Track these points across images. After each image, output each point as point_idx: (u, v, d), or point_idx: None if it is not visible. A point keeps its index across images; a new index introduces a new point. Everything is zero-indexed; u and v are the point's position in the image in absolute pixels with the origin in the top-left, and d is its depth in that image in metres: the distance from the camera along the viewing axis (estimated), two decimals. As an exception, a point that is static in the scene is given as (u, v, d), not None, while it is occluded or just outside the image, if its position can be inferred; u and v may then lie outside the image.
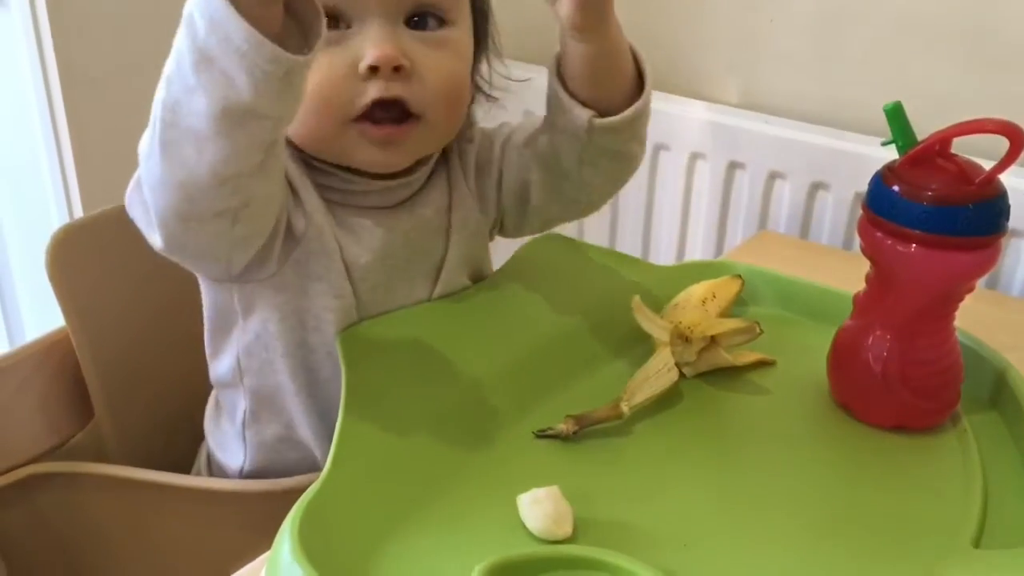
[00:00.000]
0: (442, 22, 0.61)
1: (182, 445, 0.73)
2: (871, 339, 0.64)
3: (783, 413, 0.66)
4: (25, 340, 0.72)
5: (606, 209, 1.30)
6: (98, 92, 1.08)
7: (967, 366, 0.65)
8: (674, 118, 1.20)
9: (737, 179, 1.17)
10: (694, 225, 1.23)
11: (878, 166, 0.63)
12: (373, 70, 0.58)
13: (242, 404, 0.67)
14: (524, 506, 0.53)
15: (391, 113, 0.60)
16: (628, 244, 1.31)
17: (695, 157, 1.20)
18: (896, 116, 0.61)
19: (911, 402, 0.64)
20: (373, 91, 0.58)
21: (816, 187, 1.11)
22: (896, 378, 0.63)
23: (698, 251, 1.23)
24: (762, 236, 1.12)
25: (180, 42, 0.50)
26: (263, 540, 0.62)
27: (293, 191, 0.62)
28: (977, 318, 0.68)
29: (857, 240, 0.64)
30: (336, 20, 0.58)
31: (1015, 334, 0.81)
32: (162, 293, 0.73)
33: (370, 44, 0.58)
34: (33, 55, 1.04)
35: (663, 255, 1.27)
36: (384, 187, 0.66)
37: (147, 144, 0.53)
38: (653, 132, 1.22)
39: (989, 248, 0.60)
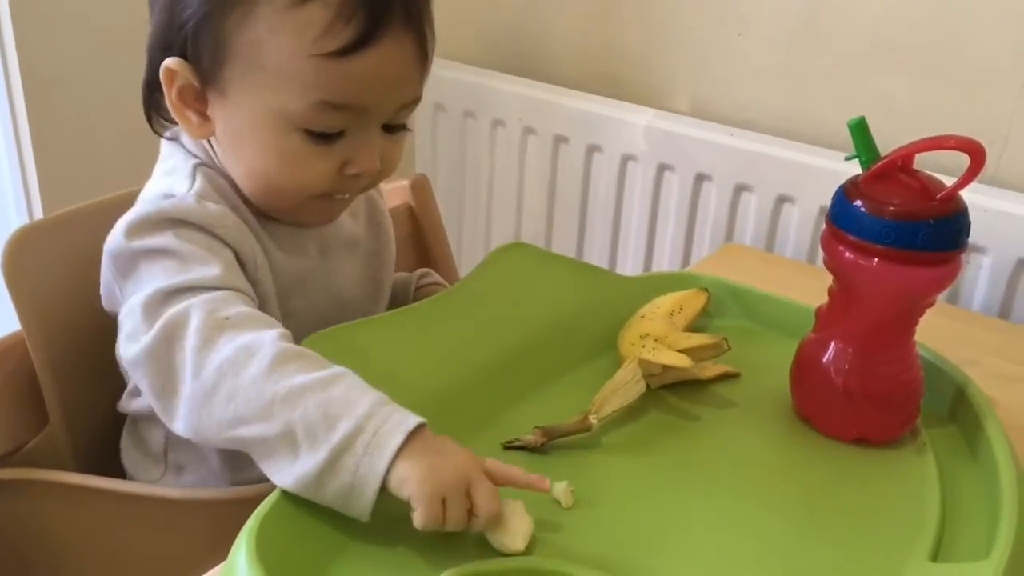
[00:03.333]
0: (404, 128, 0.66)
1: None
2: (833, 352, 0.65)
3: (747, 425, 0.67)
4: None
5: (574, 218, 1.31)
6: (61, 93, 1.06)
7: (927, 380, 0.66)
8: (641, 129, 1.21)
9: (704, 191, 1.18)
10: (661, 235, 1.24)
11: (842, 180, 0.64)
12: (356, 174, 0.63)
13: (159, 435, 0.68)
14: None
15: None
16: (596, 253, 1.31)
17: (663, 168, 1.20)
18: (860, 131, 0.62)
19: (871, 415, 0.64)
20: (349, 189, 0.65)
21: (782, 200, 1.12)
22: (857, 391, 0.64)
23: (665, 261, 1.24)
24: (728, 248, 1.12)
25: (308, 460, 0.51)
26: (223, 548, 0.62)
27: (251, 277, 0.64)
28: (937, 332, 0.69)
29: (821, 254, 0.65)
30: (332, 135, 0.61)
31: (975, 349, 0.83)
32: None
33: (362, 155, 0.62)
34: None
35: (630, 265, 1.28)
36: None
37: (220, 405, 0.54)
38: (621, 142, 1.23)
39: (950, 263, 0.60)
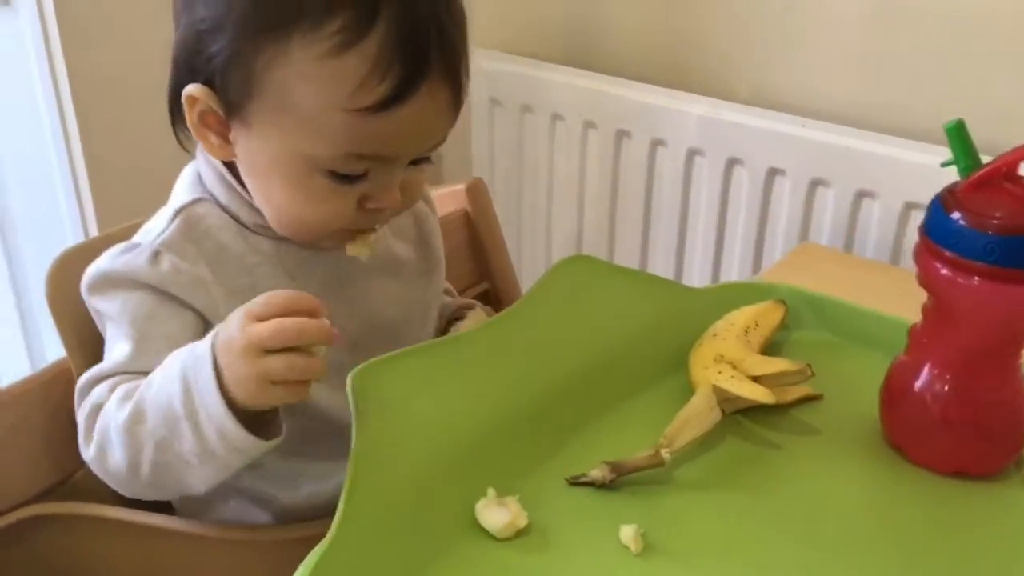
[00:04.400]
0: (428, 160, 0.63)
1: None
2: (929, 377, 0.59)
3: (833, 457, 0.61)
4: (47, 362, 0.69)
5: (638, 216, 1.26)
6: (111, 106, 1.04)
7: (1033, 405, 0.60)
8: (707, 121, 1.15)
9: (776, 186, 1.12)
10: (731, 234, 1.18)
11: (927, 173, 0.58)
12: (378, 208, 0.61)
13: None
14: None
15: None
16: (661, 252, 1.26)
17: (732, 163, 1.15)
18: (957, 135, 0.56)
19: (972, 446, 0.59)
20: (371, 223, 0.62)
21: (861, 195, 1.05)
22: (956, 420, 0.58)
23: (735, 262, 1.18)
24: (803, 248, 1.06)
25: (178, 426, 0.54)
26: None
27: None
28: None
29: (906, 253, 0.59)
30: (357, 177, 0.59)
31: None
32: None
33: (383, 192, 0.60)
34: (42, 59, 1.00)
35: (698, 266, 1.22)
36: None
37: (114, 463, 0.58)
38: (686, 136, 1.17)
39: (1062, 282, 0.54)
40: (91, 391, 0.59)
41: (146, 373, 0.58)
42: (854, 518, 0.56)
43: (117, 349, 0.60)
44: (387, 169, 0.59)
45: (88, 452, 0.59)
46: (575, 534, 0.53)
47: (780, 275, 0.93)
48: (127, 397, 0.57)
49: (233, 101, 0.58)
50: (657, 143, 1.20)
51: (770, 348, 0.71)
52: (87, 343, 0.66)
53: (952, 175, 0.58)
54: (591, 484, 0.56)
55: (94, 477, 0.68)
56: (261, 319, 0.52)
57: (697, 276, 1.22)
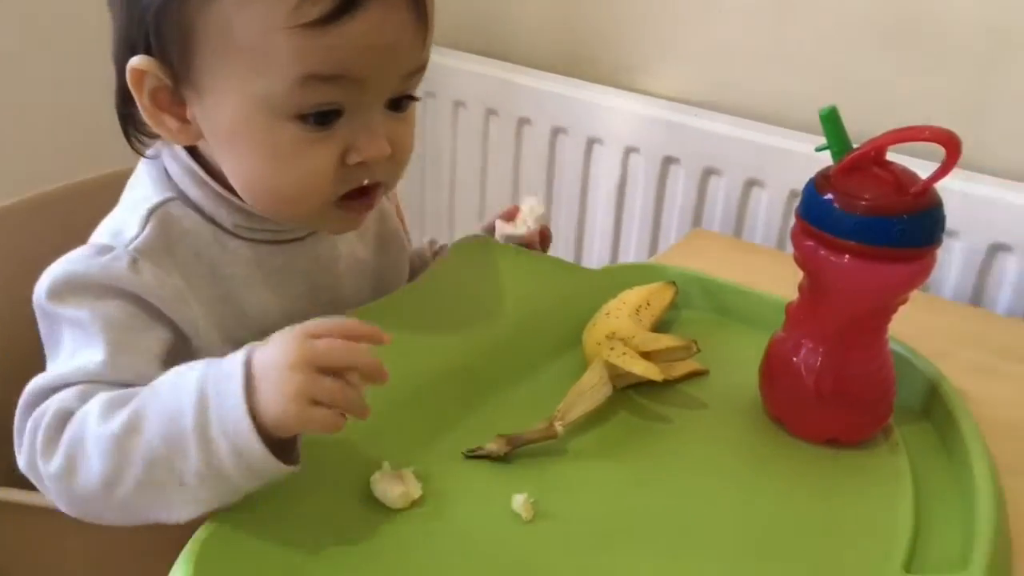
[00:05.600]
0: (412, 99, 0.59)
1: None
2: (803, 351, 0.62)
3: (717, 428, 0.64)
4: None
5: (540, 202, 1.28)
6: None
7: (899, 375, 0.64)
8: (607, 111, 1.18)
9: (672, 174, 1.15)
10: (628, 220, 1.21)
11: (815, 164, 0.61)
12: (362, 162, 0.56)
13: None
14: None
15: (364, 189, 0.59)
16: (561, 238, 1.28)
17: (629, 151, 1.18)
18: (831, 121, 0.59)
19: (843, 416, 0.62)
20: (357, 180, 0.57)
21: (751, 184, 1.09)
22: (828, 392, 0.62)
23: (632, 246, 1.21)
24: (696, 234, 1.10)
25: (183, 442, 0.48)
26: (159, 568, 0.59)
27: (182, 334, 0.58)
28: (908, 322, 0.66)
29: (791, 240, 0.62)
30: (328, 114, 0.55)
31: (947, 340, 0.81)
32: (22, 305, 0.67)
33: (365, 138, 0.56)
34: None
35: (597, 250, 1.25)
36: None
37: (84, 478, 0.50)
38: (587, 125, 1.20)
39: (924, 259, 0.58)
40: (50, 397, 0.52)
41: (120, 384, 0.53)
42: (736, 487, 0.59)
43: (83, 356, 0.54)
44: (362, 107, 0.55)
45: (48, 466, 0.51)
46: (469, 504, 0.54)
47: (674, 258, 0.96)
48: (116, 405, 0.50)
49: (177, 64, 0.55)
50: (558, 131, 1.23)
51: (661, 326, 0.74)
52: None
53: (827, 154, 0.61)
54: (487, 457, 0.58)
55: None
56: (317, 338, 0.49)
57: (596, 260, 1.24)
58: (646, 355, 0.64)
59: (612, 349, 0.64)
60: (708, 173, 1.12)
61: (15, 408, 0.54)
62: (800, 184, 0.61)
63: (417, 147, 1.39)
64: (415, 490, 0.54)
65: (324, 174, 0.56)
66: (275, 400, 0.48)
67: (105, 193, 0.63)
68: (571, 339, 0.70)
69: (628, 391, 0.66)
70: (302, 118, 0.54)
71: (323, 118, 0.54)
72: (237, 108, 0.54)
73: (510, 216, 0.77)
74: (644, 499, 0.57)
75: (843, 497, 0.59)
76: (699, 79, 1.17)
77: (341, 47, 0.52)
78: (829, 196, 0.58)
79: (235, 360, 0.49)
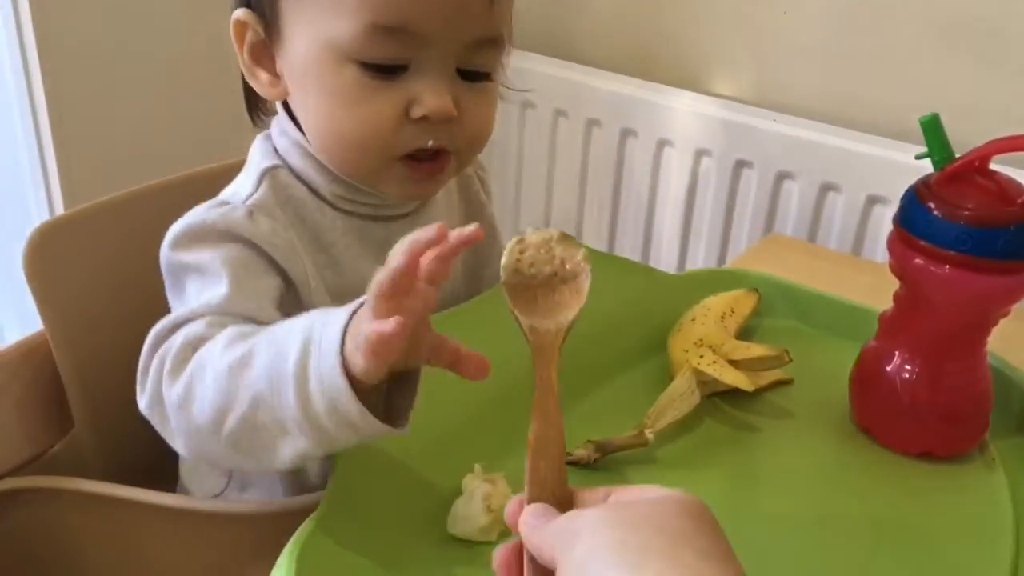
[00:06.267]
0: (487, 77, 0.60)
1: (167, 457, 0.69)
2: (898, 362, 0.61)
3: (805, 438, 0.63)
4: (1, 345, 0.67)
5: (606, 205, 1.28)
6: (81, 77, 1.02)
7: (995, 390, 0.62)
8: (679, 113, 1.17)
9: (744, 178, 1.14)
10: (697, 225, 1.20)
11: (891, 169, 0.61)
12: (425, 118, 0.57)
13: None
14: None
15: (429, 152, 0.59)
16: (628, 242, 1.27)
17: (700, 154, 1.16)
18: (932, 128, 0.58)
19: (938, 429, 0.61)
20: (421, 139, 0.58)
21: (826, 189, 1.08)
22: (924, 404, 0.60)
23: (701, 251, 1.20)
24: (771, 240, 1.08)
25: (282, 386, 0.47)
26: (249, 562, 0.59)
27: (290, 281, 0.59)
28: (1006, 336, 0.65)
29: (867, 245, 0.61)
30: (393, 68, 0.56)
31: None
32: (146, 294, 0.68)
33: (429, 92, 0.56)
34: (10, 28, 0.98)
35: (664, 255, 1.24)
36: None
37: (199, 409, 0.51)
38: (657, 127, 1.19)
39: (1028, 272, 0.57)
40: (178, 330, 0.53)
41: (244, 317, 0.54)
42: (826, 497, 0.58)
43: (208, 293, 0.55)
44: (428, 65, 0.56)
45: (171, 392, 0.51)
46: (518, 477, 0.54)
47: (749, 264, 0.95)
48: (239, 339, 0.51)
49: (267, 12, 0.58)
50: (627, 133, 1.22)
51: (743, 333, 0.73)
52: (68, 316, 0.66)
53: (916, 170, 0.60)
54: (576, 463, 0.57)
55: (70, 452, 0.68)
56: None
57: (663, 264, 1.23)
58: (735, 363, 0.63)
59: (702, 357, 0.63)
60: (781, 177, 1.11)
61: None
62: (876, 189, 0.60)
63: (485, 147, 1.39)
64: (504, 497, 0.53)
65: (386, 122, 0.56)
66: (355, 326, 0.46)
67: (224, 182, 0.65)
68: (652, 344, 0.69)
69: (714, 398, 0.65)
70: (367, 66, 0.55)
71: (387, 70, 0.55)
72: (308, 49, 0.56)
73: None
74: (736, 508, 0.56)
75: (940, 511, 0.58)
76: (771, 81, 1.16)
77: (410, 2, 0.54)
78: (930, 205, 0.57)
79: (343, 309, 0.48)
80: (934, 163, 0.59)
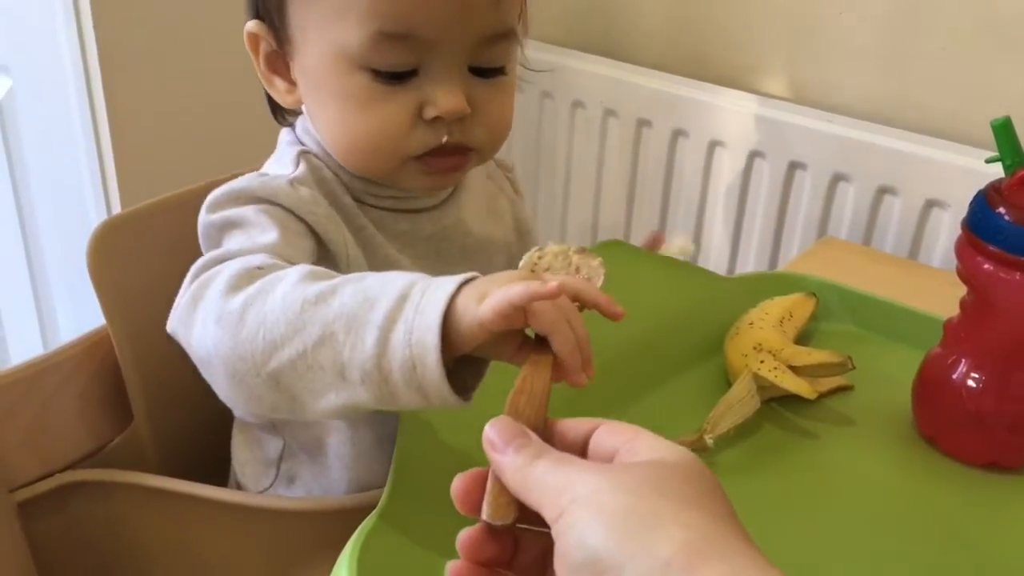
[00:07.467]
0: (502, 72, 0.60)
1: (224, 452, 0.70)
2: (964, 370, 0.60)
3: (866, 445, 0.62)
4: (60, 342, 0.68)
5: (655, 206, 1.27)
6: (138, 78, 1.04)
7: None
8: (731, 113, 1.15)
9: (797, 180, 1.13)
10: (748, 226, 1.19)
11: (951, 172, 0.59)
12: (439, 118, 0.57)
13: (277, 443, 0.65)
14: None
15: (447, 148, 0.58)
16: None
17: (753, 155, 1.15)
18: (1004, 132, 0.57)
19: (1005, 439, 0.60)
20: (435, 137, 0.57)
21: (883, 192, 1.06)
22: (990, 414, 0.59)
23: (752, 254, 1.19)
24: (825, 242, 1.07)
25: (363, 330, 0.45)
26: (305, 559, 0.59)
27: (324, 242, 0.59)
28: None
29: (925, 250, 0.60)
30: (402, 74, 0.56)
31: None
32: None
33: (440, 92, 0.56)
34: (72, 32, 1.00)
35: (714, 257, 1.23)
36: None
37: (252, 328, 0.48)
38: (708, 127, 1.18)
39: (1103, 279, 0.55)
40: (236, 257, 0.52)
41: (287, 259, 0.53)
42: (889, 506, 0.57)
43: (258, 238, 0.54)
44: (439, 67, 0.56)
45: (227, 302, 0.49)
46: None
47: (803, 267, 0.94)
48: (313, 276, 0.49)
49: (276, 21, 0.58)
50: (678, 134, 1.21)
51: (801, 338, 0.72)
52: (129, 312, 0.66)
53: (975, 173, 0.58)
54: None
55: (129, 446, 0.69)
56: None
57: (713, 266, 1.22)
58: (795, 369, 0.62)
59: (762, 362, 0.62)
60: (836, 179, 1.09)
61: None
62: (935, 193, 0.59)
63: (532, 146, 1.40)
64: None
65: (398, 125, 0.56)
66: (484, 284, 0.44)
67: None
68: (708, 346, 0.69)
69: (772, 403, 0.65)
70: (377, 72, 0.55)
71: (398, 76, 0.55)
72: (319, 57, 0.57)
73: (653, 245, 0.76)
74: (797, 515, 0.56)
75: (1006, 523, 0.57)
76: (825, 82, 1.14)
77: (416, 5, 0.54)
78: (1001, 210, 0.56)
79: (452, 277, 0.46)
80: (1005, 167, 0.57)
